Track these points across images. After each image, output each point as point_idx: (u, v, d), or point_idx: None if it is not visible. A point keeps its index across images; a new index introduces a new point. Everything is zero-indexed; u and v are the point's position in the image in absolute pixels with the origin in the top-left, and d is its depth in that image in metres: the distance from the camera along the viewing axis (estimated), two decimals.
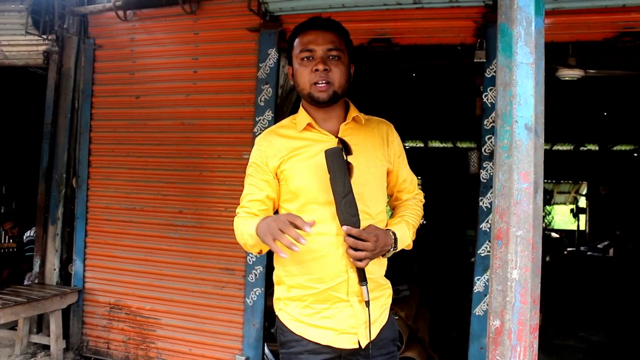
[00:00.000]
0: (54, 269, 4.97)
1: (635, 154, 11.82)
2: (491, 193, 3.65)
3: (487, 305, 3.63)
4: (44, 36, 4.91)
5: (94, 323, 4.77)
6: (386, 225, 2.09)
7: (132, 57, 4.78)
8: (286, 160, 2.04)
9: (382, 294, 2.12)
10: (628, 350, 5.44)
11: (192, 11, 4.44)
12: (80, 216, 4.90)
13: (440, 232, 9.97)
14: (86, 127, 4.92)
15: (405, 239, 2.08)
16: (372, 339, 2.00)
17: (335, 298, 1.99)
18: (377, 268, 2.06)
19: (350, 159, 1.95)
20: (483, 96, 3.77)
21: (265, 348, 4.26)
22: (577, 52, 4.74)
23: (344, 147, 1.96)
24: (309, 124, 2.06)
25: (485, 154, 3.73)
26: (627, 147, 11.83)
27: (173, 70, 4.63)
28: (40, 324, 4.95)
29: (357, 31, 4.00)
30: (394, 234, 2.02)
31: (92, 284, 4.83)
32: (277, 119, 4.24)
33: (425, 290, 5.75)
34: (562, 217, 15.57)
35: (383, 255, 2.03)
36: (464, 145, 11.80)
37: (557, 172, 12.77)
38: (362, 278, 1.96)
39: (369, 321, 1.98)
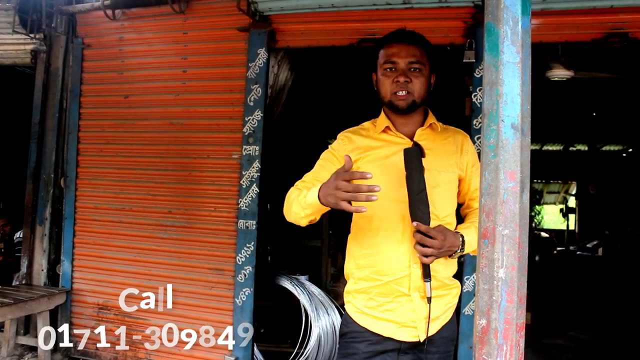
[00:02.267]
0: (42, 270, 4.93)
1: (624, 154, 11.89)
2: None
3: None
4: (32, 35, 4.87)
5: (82, 324, 4.72)
6: (455, 229, 2.16)
7: (121, 57, 4.76)
8: (361, 158, 2.17)
9: (448, 293, 2.20)
10: (616, 348, 5.47)
11: (182, 11, 4.42)
12: (68, 216, 4.87)
13: None
14: (74, 127, 4.89)
15: (473, 244, 2.13)
16: (430, 334, 2.08)
17: (397, 292, 2.09)
18: (442, 267, 2.13)
19: (423, 161, 2.03)
20: (472, 96, 3.78)
21: (255, 348, 4.25)
22: (566, 52, 4.77)
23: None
24: (387, 127, 2.19)
25: None
26: (616, 148, 11.89)
27: (162, 69, 4.61)
28: (27, 325, 4.91)
29: (346, 31, 4.01)
30: (462, 236, 2.08)
31: (81, 285, 4.80)
32: (266, 118, 4.24)
33: None
34: (552, 217, 15.64)
35: (450, 256, 2.10)
36: None
37: (546, 172, 12.83)
38: (427, 274, 2.04)
39: (429, 317, 2.06)
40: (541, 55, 4.82)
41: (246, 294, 4.16)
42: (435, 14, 3.85)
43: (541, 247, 9.81)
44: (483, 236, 1.33)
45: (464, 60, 3.75)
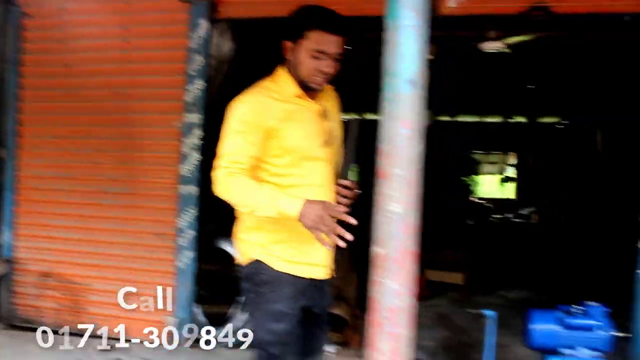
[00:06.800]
0: None
1: (559, 127, 12.32)
2: None
3: None
4: None
5: (24, 292, 4.77)
6: None
7: (62, 27, 4.73)
8: (282, 121, 2.16)
9: None
10: (541, 305, 5.79)
11: None
12: (8, 187, 4.87)
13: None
14: (14, 97, 4.86)
15: None
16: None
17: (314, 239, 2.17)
18: None
19: (328, 122, 2.29)
20: None
21: (196, 309, 4.38)
22: (498, 25, 5.00)
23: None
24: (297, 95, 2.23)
25: None
26: (552, 120, 12.30)
27: (104, 39, 4.63)
28: None
29: (289, 1, 4.06)
30: None
31: (23, 254, 4.83)
32: (208, 88, 4.33)
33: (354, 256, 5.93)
34: (491, 187, 16.14)
35: None
36: None
37: (486, 144, 13.21)
38: None
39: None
40: (473, 28, 5.04)
41: (188, 257, 4.30)
42: None
43: (476, 213, 10.20)
44: (380, 176, 1.53)
45: None
